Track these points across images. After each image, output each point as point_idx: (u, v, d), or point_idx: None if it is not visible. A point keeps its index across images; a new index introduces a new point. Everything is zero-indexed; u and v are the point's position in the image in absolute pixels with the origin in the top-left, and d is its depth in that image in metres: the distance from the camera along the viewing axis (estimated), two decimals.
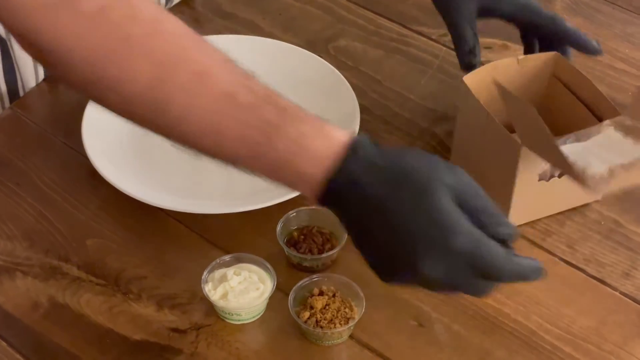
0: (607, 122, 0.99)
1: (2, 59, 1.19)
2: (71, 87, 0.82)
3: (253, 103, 0.76)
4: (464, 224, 0.73)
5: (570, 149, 0.95)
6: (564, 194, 1.05)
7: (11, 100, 1.22)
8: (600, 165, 0.93)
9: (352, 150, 0.75)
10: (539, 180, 1.01)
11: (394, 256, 0.75)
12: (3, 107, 1.22)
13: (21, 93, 1.22)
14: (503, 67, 1.07)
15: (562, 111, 1.08)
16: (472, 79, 1.05)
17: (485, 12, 1.10)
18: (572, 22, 1.33)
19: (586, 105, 1.06)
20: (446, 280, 0.74)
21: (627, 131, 0.97)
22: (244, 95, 0.76)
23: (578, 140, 0.97)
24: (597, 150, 0.95)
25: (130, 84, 0.76)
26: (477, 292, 0.76)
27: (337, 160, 0.75)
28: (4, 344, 0.96)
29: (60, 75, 0.80)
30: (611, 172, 0.92)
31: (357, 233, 0.78)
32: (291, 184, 0.78)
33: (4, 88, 1.21)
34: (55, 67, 0.78)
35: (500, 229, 0.76)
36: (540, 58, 1.09)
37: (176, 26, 0.78)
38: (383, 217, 0.75)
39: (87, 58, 0.76)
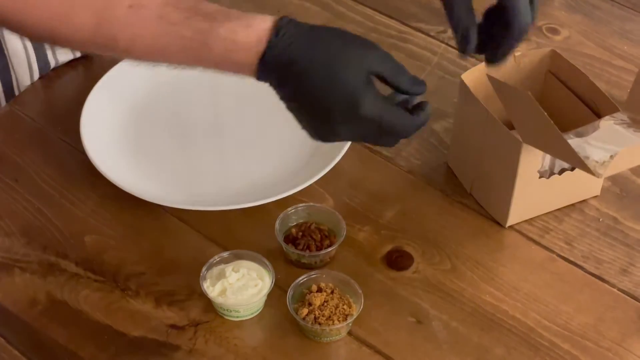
0: (606, 117, 0.99)
1: None
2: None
3: (183, 18, 0.87)
4: (369, 95, 0.86)
5: (570, 143, 0.95)
6: (563, 191, 1.05)
7: (6, 99, 1.22)
8: (601, 153, 0.93)
9: (275, 32, 0.87)
10: (540, 177, 1.01)
11: (318, 123, 0.88)
12: None
13: (16, 92, 1.22)
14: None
15: (560, 108, 1.07)
16: (471, 77, 1.05)
17: None
18: (571, 19, 1.34)
19: (584, 102, 1.06)
20: (361, 139, 0.90)
21: (628, 124, 0.97)
22: (174, 14, 0.88)
23: (578, 136, 0.97)
24: (597, 143, 0.95)
25: (78, 34, 0.89)
26: (388, 145, 0.91)
27: (262, 44, 0.86)
28: (2, 340, 0.95)
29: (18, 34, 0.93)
30: (612, 157, 0.92)
31: (288, 103, 0.89)
32: (237, 73, 0.89)
33: None
34: (11, 29, 0.91)
35: (412, 88, 0.89)
36: (536, 54, 1.09)
37: None
38: (305, 90, 0.87)
39: (38, 22, 0.88)
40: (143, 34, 0.88)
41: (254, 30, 0.87)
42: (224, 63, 0.88)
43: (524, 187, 1.01)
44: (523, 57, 1.09)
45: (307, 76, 0.86)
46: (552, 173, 1.02)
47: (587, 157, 0.93)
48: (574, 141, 0.96)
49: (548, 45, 1.28)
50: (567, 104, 1.07)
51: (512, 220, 1.05)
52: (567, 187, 1.02)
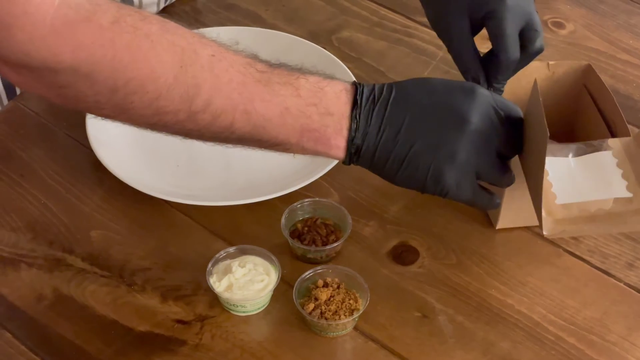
0: (610, 141, 0.96)
1: None
2: (85, 106, 0.84)
3: (269, 65, 0.86)
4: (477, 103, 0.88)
5: (556, 163, 0.93)
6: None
7: (8, 95, 1.22)
8: (569, 193, 0.91)
9: (354, 83, 0.88)
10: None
11: (425, 156, 0.87)
12: (1, 103, 1.22)
13: (18, 89, 1.22)
14: (532, 69, 1.05)
15: (588, 124, 1.07)
16: None
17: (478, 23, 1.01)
18: (576, 13, 1.34)
19: (605, 121, 1.04)
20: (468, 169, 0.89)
21: (624, 159, 0.95)
22: (259, 63, 0.85)
23: (578, 153, 0.95)
24: (580, 173, 0.93)
25: (158, 79, 0.80)
26: (498, 182, 0.92)
27: (350, 90, 0.87)
28: (8, 335, 0.96)
29: (75, 96, 0.81)
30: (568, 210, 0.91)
31: (387, 145, 0.87)
32: (320, 133, 0.86)
33: (0, 85, 1.21)
34: (71, 87, 0.80)
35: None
36: (572, 66, 1.08)
37: (174, 24, 0.83)
38: (416, 109, 0.87)
39: (114, 65, 0.79)
40: (227, 81, 0.83)
41: (338, 82, 0.88)
42: (312, 113, 0.85)
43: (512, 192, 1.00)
44: (557, 67, 1.07)
45: (409, 84, 0.87)
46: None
47: (557, 194, 0.92)
48: (560, 161, 0.93)
49: (553, 39, 1.29)
50: (594, 123, 1.05)
51: (501, 224, 1.05)
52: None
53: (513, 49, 0.96)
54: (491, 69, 0.98)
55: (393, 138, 0.87)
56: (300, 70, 0.87)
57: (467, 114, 0.87)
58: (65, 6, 0.76)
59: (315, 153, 0.88)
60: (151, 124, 0.84)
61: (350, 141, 0.87)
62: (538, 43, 0.98)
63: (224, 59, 0.83)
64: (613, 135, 1.01)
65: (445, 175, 0.87)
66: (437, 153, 0.87)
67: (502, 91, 1.00)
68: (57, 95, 0.82)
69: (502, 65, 0.97)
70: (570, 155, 0.95)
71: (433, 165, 0.87)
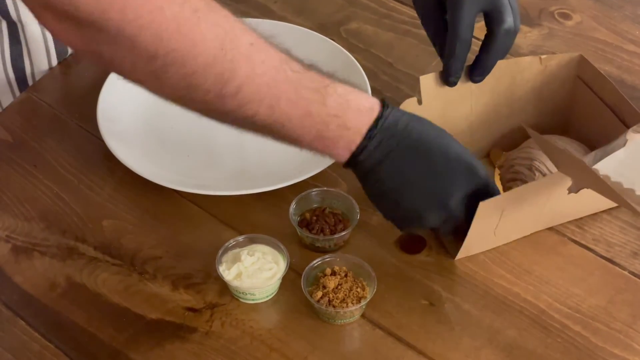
0: (631, 130, 0.96)
1: (11, 44, 1.20)
2: (119, 69, 0.84)
3: (303, 67, 0.86)
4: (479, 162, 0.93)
5: (607, 165, 0.93)
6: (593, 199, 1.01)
7: (19, 85, 1.23)
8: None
9: (383, 104, 0.89)
10: (569, 193, 0.98)
11: (421, 201, 0.91)
12: (12, 92, 1.23)
13: (29, 78, 1.23)
14: (525, 65, 1.07)
15: (587, 114, 1.07)
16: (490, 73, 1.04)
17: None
18: (582, 4, 1.34)
19: (610, 109, 1.05)
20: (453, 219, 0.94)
21: None
22: (295, 62, 0.85)
23: (606, 153, 0.95)
24: (634, 162, 0.94)
25: (198, 56, 0.80)
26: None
27: (375, 112, 0.88)
28: (22, 322, 0.97)
29: (111, 57, 0.81)
30: None
31: (393, 176, 0.90)
32: (332, 141, 0.88)
33: (12, 75, 1.22)
34: (110, 46, 0.80)
35: None
36: (564, 58, 1.08)
37: (217, 4, 0.83)
38: (423, 155, 0.89)
39: (159, 33, 0.78)
40: (262, 71, 0.83)
41: (367, 98, 0.88)
42: (330, 124, 0.87)
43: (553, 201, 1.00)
44: (549, 60, 1.08)
45: (427, 143, 0.89)
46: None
47: (633, 185, 0.91)
48: (609, 162, 0.93)
49: (560, 30, 1.29)
50: (595, 111, 1.06)
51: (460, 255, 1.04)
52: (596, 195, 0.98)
53: (462, 30, 0.97)
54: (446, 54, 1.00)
55: (388, 174, 0.90)
56: (332, 78, 0.87)
57: (451, 197, 0.91)
58: None
59: (319, 153, 0.90)
60: (178, 97, 0.85)
61: (354, 156, 0.89)
62: (506, 24, 0.97)
63: (262, 50, 0.83)
64: (621, 120, 1.02)
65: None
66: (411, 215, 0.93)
67: (457, 81, 1.01)
68: (93, 52, 0.82)
69: (449, 46, 0.98)
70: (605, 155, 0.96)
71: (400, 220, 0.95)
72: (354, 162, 0.90)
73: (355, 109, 0.87)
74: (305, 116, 0.86)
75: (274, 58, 0.84)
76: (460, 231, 0.97)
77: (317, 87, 0.86)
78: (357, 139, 0.88)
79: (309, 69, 0.86)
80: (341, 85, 0.87)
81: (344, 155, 0.89)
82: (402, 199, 0.91)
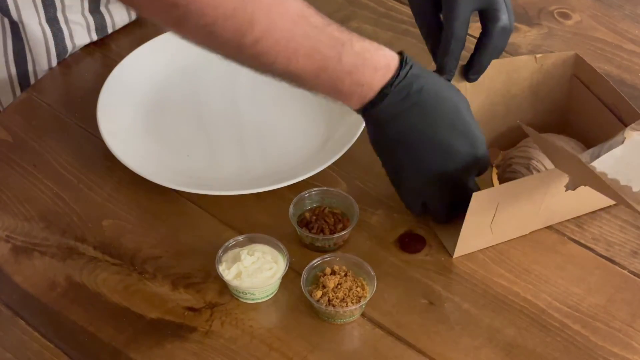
0: (629, 128, 0.96)
1: (13, 42, 1.20)
2: (143, 12, 0.89)
3: (322, 22, 0.88)
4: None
5: (604, 163, 0.93)
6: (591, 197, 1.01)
7: (21, 83, 1.23)
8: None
9: (402, 62, 0.90)
10: (566, 190, 0.99)
11: (420, 162, 0.94)
12: (13, 91, 1.24)
13: (31, 77, 1.23)
14: (520, 63, 1.07)
15: (584, 112, 1.07)
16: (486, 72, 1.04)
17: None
18: (582, 3, 1.34)
19: (607, 107, 1.05)
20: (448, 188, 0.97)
21: None
22: (314, 17, 0.88)
23: (603, 151, 0.95)
24: (632, 160, 0.94)
25: (218, 7, 0.83)
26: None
27: (391, 71, 0.89)
28: (22, 322, 0.97)
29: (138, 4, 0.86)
30: None
31: (397, 135, 0.92)
32: (345, 95, 0.91)
33: (14, 71, 1.22)
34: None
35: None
36: (559, 57, 1.08)
37: None
38: (429, 119, 0.91)
39: None
40: (280, 26, 0.85)
41: (384, 56, 0.90)
42: (344, 80, 0.89)
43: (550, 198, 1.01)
44: (545, 59, 1.08)
45: (436, 105, 0.91)
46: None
47: (629, 183, 0.91)
48: (607, 159, 0.93)
49: (559, 30, 1.29)
50: (592, 110, 1.06)
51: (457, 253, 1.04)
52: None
53: (457, 28, 0.97)
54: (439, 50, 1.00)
55: (394, 132, 0.93)
56: (350, 35, 0.89)
57: (445, 172, 0.95)
58: None
59: (332, 100, 0.93)
60: (199, 43, 0.88)
61: (366, 109, 0.93)
62: (502, 22, 0.98)
63: (282, 3, 0.86)
64: (618, 119, 1.02)
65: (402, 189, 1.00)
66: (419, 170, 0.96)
67: (451, 79, 1.00)
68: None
69: (443, 44, 0.99)
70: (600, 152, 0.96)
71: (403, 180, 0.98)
72: (365, 113, 0.93)
73: (370, 67, 0.89)
74: (321, 71, 0.88)
75: (294, 11, 0.86)
76: (455, 220, 0.98)
77: (334, 44, 0.88)
78: (370, 95, 0.91)
79: (329, 25, 0.88)
80: (359, 42, 0.89)
81: (356, 106, 0.93)
82: (402, 157, 0.95)
